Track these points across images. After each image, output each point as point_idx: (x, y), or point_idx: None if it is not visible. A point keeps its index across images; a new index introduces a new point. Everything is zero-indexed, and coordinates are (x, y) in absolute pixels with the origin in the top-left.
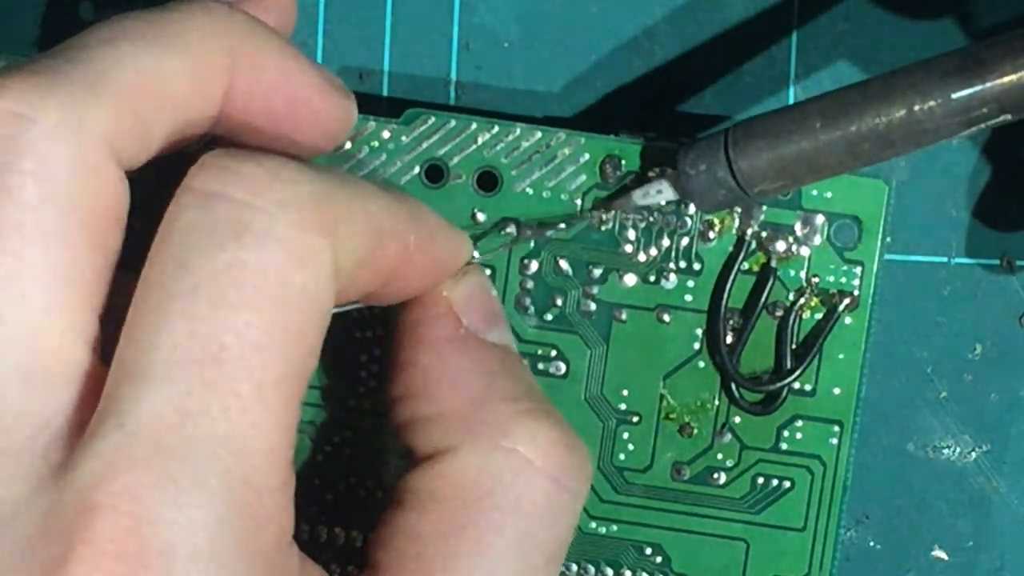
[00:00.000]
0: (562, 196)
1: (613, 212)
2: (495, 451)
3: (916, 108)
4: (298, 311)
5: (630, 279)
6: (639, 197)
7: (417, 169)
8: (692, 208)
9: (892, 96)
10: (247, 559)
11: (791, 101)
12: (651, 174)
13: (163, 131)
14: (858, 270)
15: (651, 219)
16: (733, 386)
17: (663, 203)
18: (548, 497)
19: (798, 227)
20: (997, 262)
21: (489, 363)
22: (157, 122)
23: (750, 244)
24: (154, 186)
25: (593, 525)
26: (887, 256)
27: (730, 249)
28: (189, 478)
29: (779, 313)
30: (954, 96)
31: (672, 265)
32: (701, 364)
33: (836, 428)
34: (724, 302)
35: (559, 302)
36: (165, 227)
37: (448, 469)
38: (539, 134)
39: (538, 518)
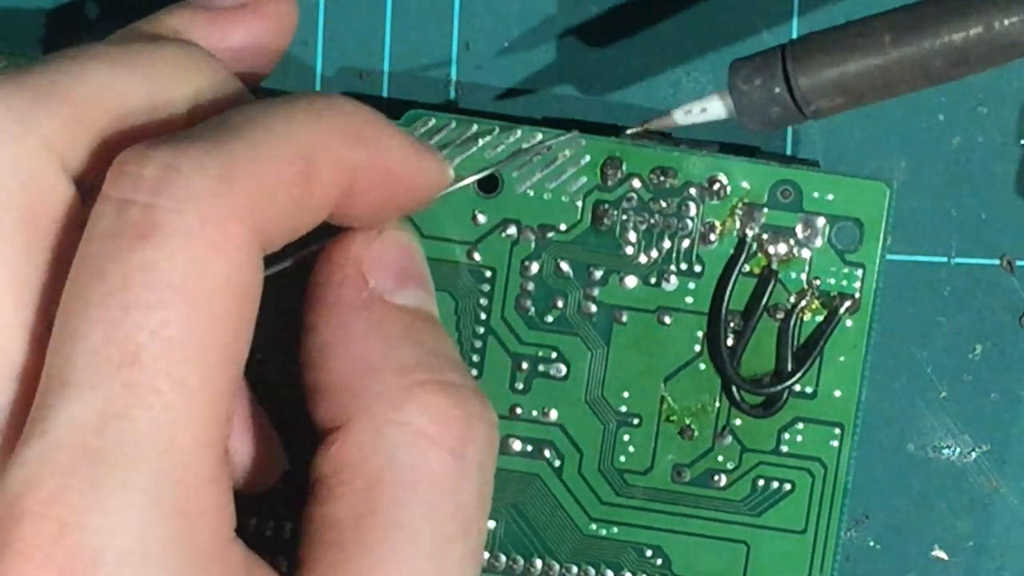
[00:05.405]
0: (563, 198)
1: (653, 132)
2: (387, 425)
3: (995, 24)
4: (214, 300)
5: (631, 281)
6: (680, 116)
7: None
8: (693, 210)
9: (969, 9)
10: (181, 558)
11: None
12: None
13: (121, 148)
14: (859, 272)
15: (652, 221)
16: (734, 388)
17: (706, 122)
18: (447, 468)
19: (799, 229)
20: (997, 262)
21: (390, 329)
22: (114, 137)
23: (751, 246)
24: None
25: (593, 527)
26: (887, 256)
27: (731, 251)
28: (115, 481)
29: (780, 315)
30: None
31: (673, 267)
32: (702, 366)
33: (837, 430)
34: (725, 304)
35: (560, 304)
36: (84, 237)
37: (343, 448)
38: (540, 135)
39: (441, 490)
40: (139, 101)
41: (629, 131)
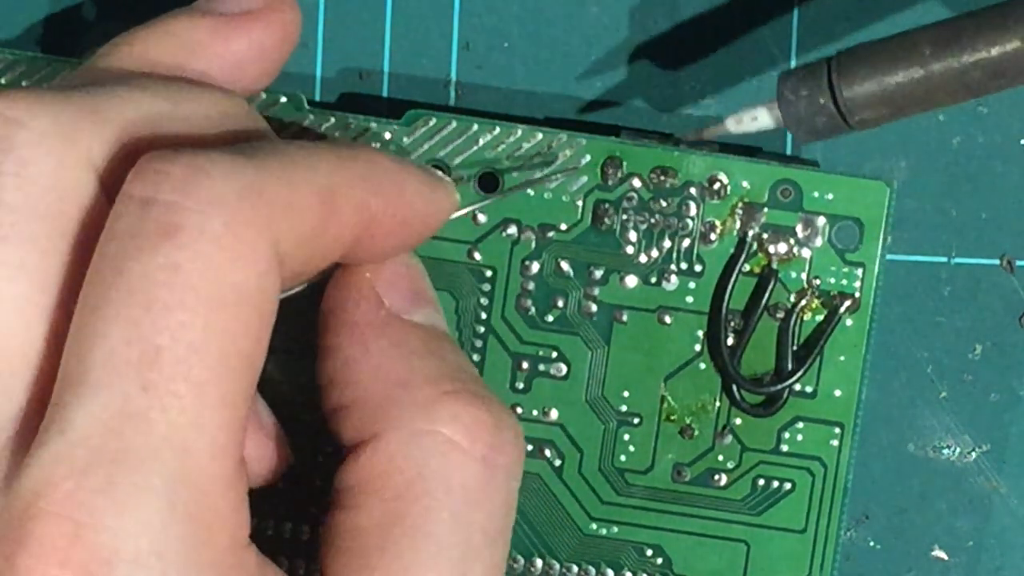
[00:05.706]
0: (563, 198)
1: (706, 140)
2: (418, 435)
3: None
4: (235, 307)
5: (631, 280)
6: (733, 124)
7: None
8: (693, 209)
9: (1005, 24)
10: (195, 561)
11: None
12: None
13: None
14: (859, 272)
15: (652, 220)
16: (734, 388)
17: (756, 131)
18: (478, 477)
19: (799, 229)
20: (997, 262)
21: (412, 344)
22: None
23: (751, 246)
24: None
25: (594, 526)
26: (887, 256)
27: (731, 251)
28: (131, 482)
29: (780, 315)
30: None
31: (673, 266)
32: (702, 366)
33: (837, 430)
34: (725, 304)
35: (560, 303)
36: (104, 235)
37: (374, 459)
38: (540, 135)
39: (471, 499)
40: (177, 131)
41: (683, 137)
